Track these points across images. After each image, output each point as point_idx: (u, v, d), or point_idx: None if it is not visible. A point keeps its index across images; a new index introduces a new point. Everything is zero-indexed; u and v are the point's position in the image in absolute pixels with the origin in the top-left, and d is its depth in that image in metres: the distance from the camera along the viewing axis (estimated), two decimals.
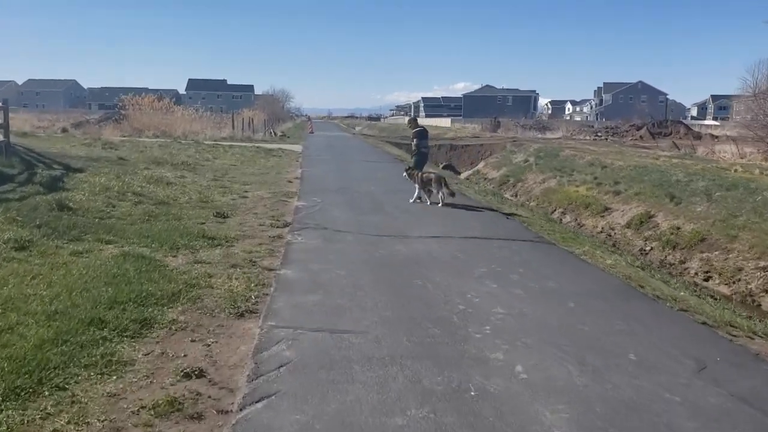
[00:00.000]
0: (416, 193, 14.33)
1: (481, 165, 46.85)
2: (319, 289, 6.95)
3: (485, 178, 42.59)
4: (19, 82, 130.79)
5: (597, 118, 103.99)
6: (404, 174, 15.08)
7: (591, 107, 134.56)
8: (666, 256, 16.75)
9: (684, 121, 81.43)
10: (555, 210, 24.90)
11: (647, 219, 19.25)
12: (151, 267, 7.24)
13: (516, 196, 35.52)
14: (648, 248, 17.70)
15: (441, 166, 46.40)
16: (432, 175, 14.54)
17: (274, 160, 24.09)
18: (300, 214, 11.95)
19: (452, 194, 14.16)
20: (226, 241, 9.11)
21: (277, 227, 10.50)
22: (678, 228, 17.62)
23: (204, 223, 10.42)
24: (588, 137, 65.21)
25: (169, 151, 23.32)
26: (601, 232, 19.85)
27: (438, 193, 13.98)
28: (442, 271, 7.95)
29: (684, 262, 16.16)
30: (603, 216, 21.19)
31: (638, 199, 21.01)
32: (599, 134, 70.69)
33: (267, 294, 6.75)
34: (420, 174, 14.48)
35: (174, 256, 8.07)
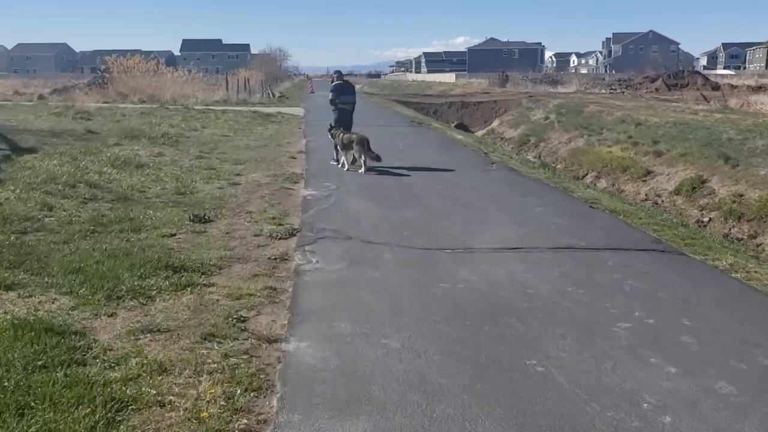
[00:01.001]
0: (335, 156, 13.13)
1: (495, 123, 43.42)
2: (363, 400, 3.68)
3: (502, 138, 39.26)
4: (9, 47, 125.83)
5: (606, 70, 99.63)
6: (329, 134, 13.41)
7: (597, 59, 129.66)
8: (730, 229, 13.55)
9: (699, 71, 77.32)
10: (587, 174, 21.83)
11: (700, 184, 15.94)
12: (55, 358, 3.95)
13: (539, 157, 32.32)
14: (706, 219, 14.54)
15: (453, 125, 43.03)
16: (354, 137, 12.80)
17: (273, 127, 20.63)
18: (310, 211, 8.66)
19: (377, 158, 12.60)
20: (202, 274, 5.82)
21: (280, 238, 7.18)
22: (740, 195, 14.37)
23: (174, 235, 7.11)
24: (603, 90, 61.43)
25: (150, 120, 19.89)
26: (646, 199, 16.68)
27: (361, 157, 12.46)
28: (563, 332, 4.67)
29: (755, 237, 12.96)
30: (645, 180, 17.93)
31: (685, 161, 17.72)
32: (614, 87, 66.70)
33: (264, 420, 3.48)
34: (341, 134, 12.92)
35: (109, 317, 4.79)
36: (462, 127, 42.89)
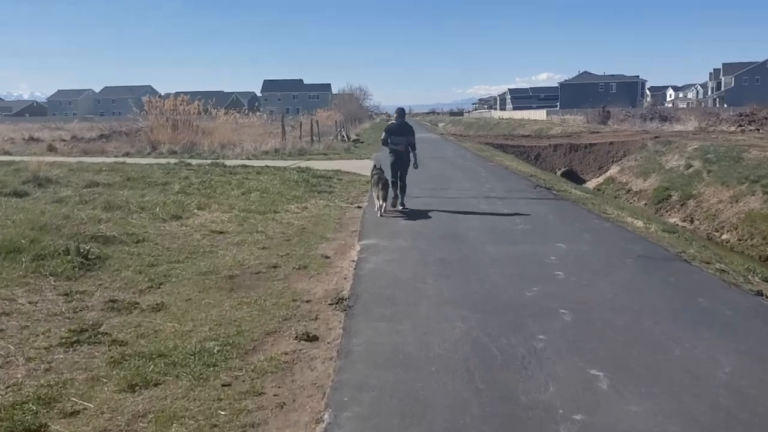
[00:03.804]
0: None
1: (614, 170, 33.96)
2: None
3: (627, 190, 29.79)
4: (96, 90, 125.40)
5: (716, 104, 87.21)
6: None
7: (698, 92, 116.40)
8: None
9: None
10: None
11: None
12: None
13: (690, 220, 22.90)
14: None
15: (559, 172, 34.07)
16: (375, 176, 11.38)
17: (317, 205, 12.29)
18: None
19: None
20: None
21: None
22: None
23: None
24: (732, 128, 50.54)
25: (125, 196, 11.98)
26: None
27: (378, 199, 11.09)
28: None
29: None
30: None
31: None
32: (742, 124, 55.28)
33: None
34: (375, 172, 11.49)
35: None
36: (571, 175, 33.76)
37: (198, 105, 28.44)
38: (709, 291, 6.61)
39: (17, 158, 19.65)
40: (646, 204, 25.72)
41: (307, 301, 6.19)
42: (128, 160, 20.86)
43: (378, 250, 8.29)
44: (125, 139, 28.54)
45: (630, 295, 6.37)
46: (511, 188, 14.65)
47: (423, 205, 12.22)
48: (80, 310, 5.93)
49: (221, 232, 9.51)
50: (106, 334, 5.36)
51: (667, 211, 24.01)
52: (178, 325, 5.56)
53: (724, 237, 19.00)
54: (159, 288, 6.69)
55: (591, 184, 32.26)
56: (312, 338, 5.19)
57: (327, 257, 7.98)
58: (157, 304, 6.14)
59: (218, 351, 4.94)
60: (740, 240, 18.37)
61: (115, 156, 23.17)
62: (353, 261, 7.74)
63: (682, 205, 23.66)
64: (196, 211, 11.20)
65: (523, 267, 7.40)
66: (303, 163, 19.88)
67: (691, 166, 26.95)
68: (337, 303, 6.09)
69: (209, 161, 19.74)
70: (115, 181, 14.02)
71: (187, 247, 8.52)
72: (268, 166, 18.47)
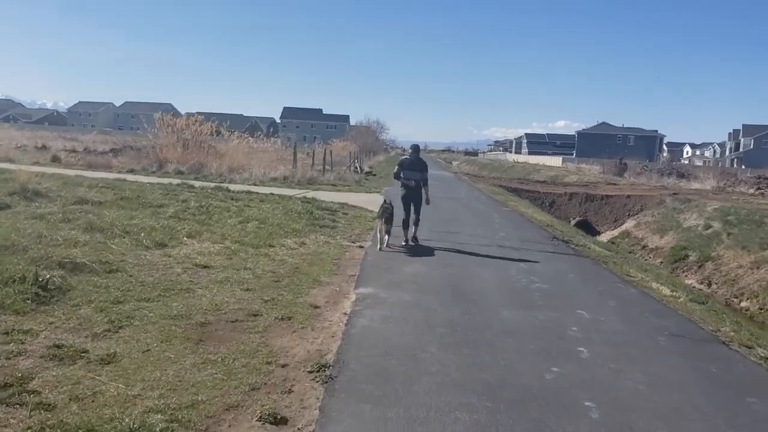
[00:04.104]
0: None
1: (630, 224, 32.83)
2: None
3: (642, 246, 28.62)
4: (117, 104, 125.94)
5: (733, 164, 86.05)
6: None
7: (715, 151, 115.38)
8: None
9: None
10: None
11: None
12: None
13: (708, 284, 21.77)
14: None
15: (573, 221, 33.09)
16: (381, 209, 11.24)
17: (317, 240, 11.29)
18: None
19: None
20: None
21: None
22: None
23: None
24: (751, 189, 49.36)
25: (112, 218, 11.08)
26: None
27: (379, 232, 10.95)
28: None
29: None
30: None
31: None
32: (761, 188, 54.06)
33: None
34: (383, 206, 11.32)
35: None
36: (585, 225, 32.69)
37: (211, 126, 27.72)
38: (759, 388, 5.55)
39: (15, 167, 18.91)
40: (661, 262, 24.62)
41: (284, 366, 5.18)
42: (130, 177, 20.07)
43: (376, 302, 7.28)
44: (134, 155, 27.80)
45: (668, 389, 5.31)
46: (526, 238, 13.62)
47: (432, 249, 11.23)
48: (15, 356, 4.96)
49: (205, 267, 8.54)
50: (35, 392, 4.37)
51: (683, 272, 22.92)
52: (123, 387, 4.56)
53: (743, 304, 17.88)
54: (117, 332, 5.71)
55: (605, 236, 31.15)
56: (279, 421, 4.17)
57: (316, 307, 6.97)
58: (108, 354, 5.15)
59: (160, 431, 3.93)
60: (761, 309, 17.27)
61: (119, 172, 22.42)
62: (345, 314, 6.73)
63: (699, 266, 22.55)
64: (185, 239, 10.25)
65: (541, 339, 6.36)
66: (310, 193, 18.98)
67: (710, 227, 25.93)
68: (318, 371, 5.08)
69: (214, 184, 18.89)
70: (107, 200, 13.14)
71: (164, 282, 7.55)
72: (273, 194, 17.59)
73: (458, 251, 11.26)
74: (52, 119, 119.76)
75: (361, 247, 10.96)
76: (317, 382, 4.88)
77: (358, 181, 26.84)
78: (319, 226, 12.76)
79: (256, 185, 20.66)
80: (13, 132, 57.89)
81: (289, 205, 15.41)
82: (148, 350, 5.33)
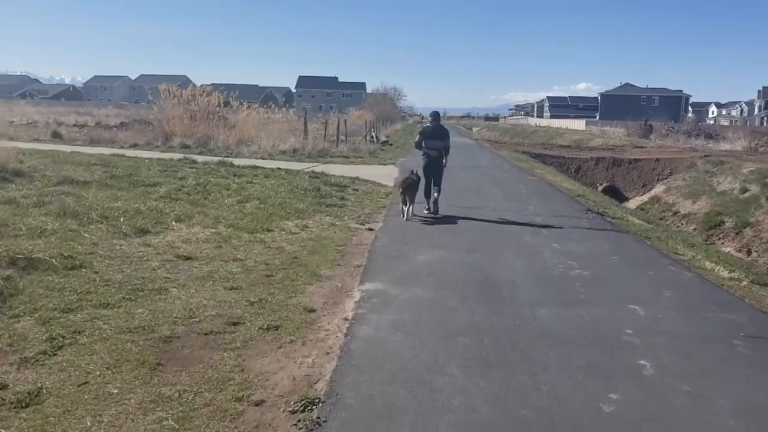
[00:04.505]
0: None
1: (659, 189, 31.11)
2: None
3: (673, 212, 27.00)
4: (133, 77, 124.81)
5: (763, 123, 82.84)
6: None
7: (742, 110, 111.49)
8: None
9: None
10: None
11: None
12: None
13: (747, 251, 20.29)
14: None
15: (600, 187, 31.51)
16: (404, 179, 10.84)
17: (321, 222, 9.98)
18: None
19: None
20: None
21: None
22: None
23: None
24: None
25: (92, 200, 9.89)
26: None
27: (405, 204, 10.54)
28: None
29: None
30: None
31: None
32: None
33: None
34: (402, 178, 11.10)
35: None
36: (613, 191, 31.09)
37: (218, 96, 26.37)
38: None
39: (17, 144, 17.80)
40: (695, 229, 23.10)
41: (258, 404, 3.92)
42: (131, 152, 18.92)
43: (384, 302, 5.99)
44: (140, 128, 26.61)
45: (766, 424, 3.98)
46: (557, 211, 12.17)
47: (452, 229, 9.89)
48: None
49: (188, 258, 7.30)
50: None
51: (719, 239, 21.41)
52: None
53: None
54: (54, 355, 4.49)
55: (634, 202, 29.56)
56: None
57: (312, 311, 5.70)
58: (31, 391, 3.93)
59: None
60: None
61: (121, 147, 21.28)
62: (346, 320, 5.45)
63: (737, 233, 21.02)
64: (172, 223, 9.01)
65: (590, 349, 5.03)
66: (320, 167, 17.65)
67: (747, 191, 24.33)
68: (303, 410, 3.82)
69: (218, 159, 17.62)
70: (95, 179, 11.95)
71: (134, 280, 6.33)
72: (279, 168, 16.30)
73: (482, 230, 9.91)
74: (68, 95, 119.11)
75: (371, 229, 9.60)
76: (300, 430, 3.61)
77: (372, 152, 25.39)
78: (326, 205, 11.43)
79: (263, 159, 19.37)
80: (28, 108, 57.11)
81: (295, 180, 14.10)
82: (85, 383, 4.10)
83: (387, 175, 16.87)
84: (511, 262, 7.80)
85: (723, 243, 21.01)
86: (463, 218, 10.81)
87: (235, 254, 7.61)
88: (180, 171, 14.55)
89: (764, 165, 27.73)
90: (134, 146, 21.51)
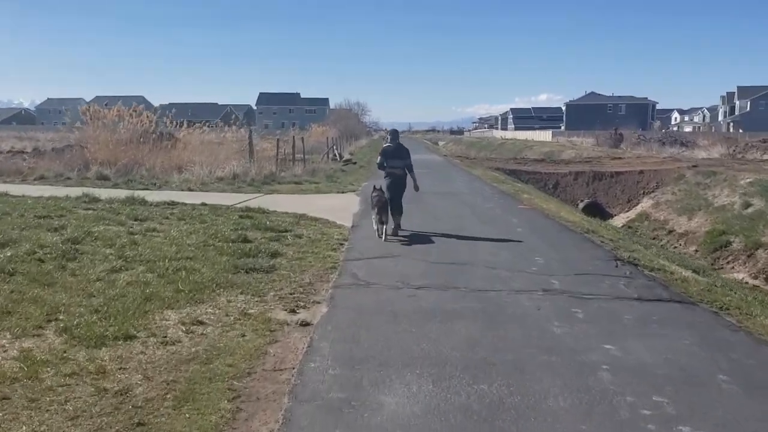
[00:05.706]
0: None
1: (646, 204, 28.38)
2: None
3: (668, 231, 24.32)
4: (87, 99, 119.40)
5: (729, 129, 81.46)
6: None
7: (703, 116, 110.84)
8: None
9: None
10: None
11: None
12: None
13: (765, 278, 17.48)
14: None
15: (581, 204, 28.65)
16: (374, 198, 10.46)
17: (219, 314, 6.23)
18: None
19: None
20: None
21: None
22: None
23: None
24: (766, 155, 45.31)
25: None
26: None
27: (380, 224, 10.17)
28: None
29: None
30: None
31: None
32: None
33: None
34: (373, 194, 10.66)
35: None
36: (595, 208, 28.07)
37: (149, 116, 22.46)
38: None
39: None
40: (696, 250, 20.10)
41: None
42: (31, 187, 14.94)
43: None
44: (55, 156, 22.55)
45: None
46: (576, 264, 8.47)
47: (439, 312, 6.19)
48: None
49: None
50: None
51: (728, 263, 18.45)
52: None
53: None
54: None
55: (619, 219, 26.54)
56: None
57: None
58: None
59: None
60: None
61: (25, 179, 17.29)
62: None
63: (748, 255, 18.08)
64: None
65: None
66: (259, 200, 13.88)
67: (749, 205, 21.65)
68: None
69: (133, 192, 13.72)
70: None
71: None
72: (204, 204, 12.52)
73: (484, 315, 6.21)
74: (20, 118, 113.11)
75: (305, 324, 5.75)
76: None
77: (330, 175, 21.62)
78: (247, 269, 7.54)
79: (191, 190, 15.52)
80: None
81: (217, 224, 10.31)
82: None
83: (344, 208, 13.16)
84: (555, 405, 4.12)
85: (733, 267, 18.01)
86: (442, 288, 7.10)
87: (29, 416, 3.83)
88: (66, 216, 10.70)
89: (762, 175, 24.98)
90: (40, 179, 17.48)
